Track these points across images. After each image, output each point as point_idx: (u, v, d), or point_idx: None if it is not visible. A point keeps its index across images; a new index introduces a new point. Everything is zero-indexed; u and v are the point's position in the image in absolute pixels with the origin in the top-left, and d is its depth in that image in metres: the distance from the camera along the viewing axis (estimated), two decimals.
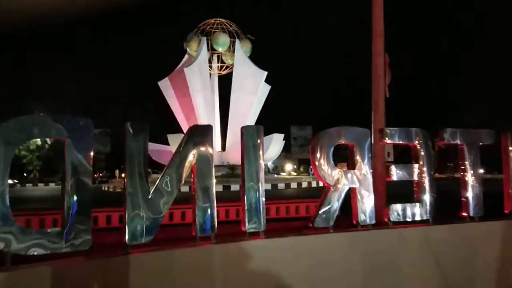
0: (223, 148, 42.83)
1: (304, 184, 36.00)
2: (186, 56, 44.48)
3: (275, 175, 41.77)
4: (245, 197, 4.53)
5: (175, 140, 33.81)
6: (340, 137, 5.15)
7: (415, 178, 5.56)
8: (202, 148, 4.35)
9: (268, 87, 44.19)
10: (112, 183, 40.19)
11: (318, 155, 4.97)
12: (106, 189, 36.56)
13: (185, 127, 41.01)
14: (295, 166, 62.38)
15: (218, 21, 44.57)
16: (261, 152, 4.67)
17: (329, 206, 4.99)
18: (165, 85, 42.84)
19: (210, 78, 43.49)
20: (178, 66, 43.76)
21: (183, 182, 4.23)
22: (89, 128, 3.88)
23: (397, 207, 5.41)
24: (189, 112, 41.54)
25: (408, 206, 5.48)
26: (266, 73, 43.18)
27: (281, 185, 33.85)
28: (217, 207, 4.43)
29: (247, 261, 4.42)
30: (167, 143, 37.14)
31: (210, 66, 44.24)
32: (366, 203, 5.20)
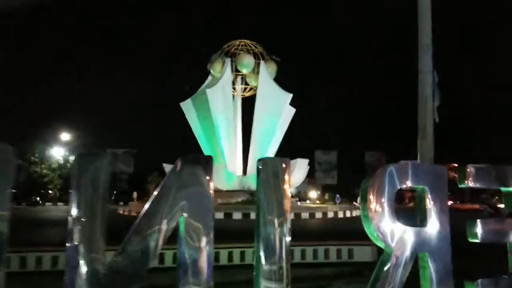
0: (244, 172, 41.20)
1: (330, 214, 33.76)
2: (209, 78, 43.58)
3: (298, 203, 39.66)
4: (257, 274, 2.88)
5: None
6: (406, 177, 3.48)
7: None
8: (196, 194, 2.76)
9: (293, 110, 42.64)
10: (129, 207, 38.80)
11: (373, 204, 3.31)
12: (122, 212, 35.05)
13: (206, 150, 39.80)
14: (319, 192, 60.20)
15: (243, 42, 43.68)
16: (286, 188, 3.07)
17: (388, 282, 3.30)
18: (188, 107, 41.94)
19: (233, 99, 42.34)
20: (201, 88, 42.83)
21: (160, 248, 2.63)
22: (7, 157, 2.38)
23: (485, 283, 3.69)
24: (210, 134, 40.37)
25: (500, 280, 3.75)
26: (291, 95, 41.75)
27: (304, 215, 31.78)
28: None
29: None
30: None
31: (234, 88, 43.13)
32: (443, 276, 3.50)
